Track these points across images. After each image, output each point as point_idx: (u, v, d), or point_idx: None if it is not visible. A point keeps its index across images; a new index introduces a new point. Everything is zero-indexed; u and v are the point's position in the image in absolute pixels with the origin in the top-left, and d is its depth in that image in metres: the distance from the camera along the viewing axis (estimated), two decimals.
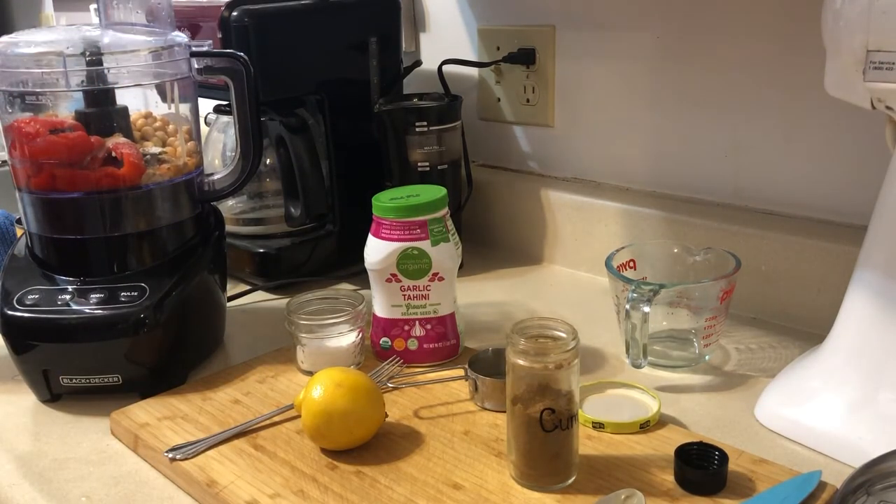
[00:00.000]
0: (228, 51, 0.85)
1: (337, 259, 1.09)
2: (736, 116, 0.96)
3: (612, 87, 1.06)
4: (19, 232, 1.06)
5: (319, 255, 1.09)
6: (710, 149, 0.99)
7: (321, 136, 1.06)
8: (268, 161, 1.10)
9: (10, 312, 0.76)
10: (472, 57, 1.18)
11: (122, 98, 0.81)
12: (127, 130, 0.81)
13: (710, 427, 0.72)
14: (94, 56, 0.76)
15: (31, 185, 0.78)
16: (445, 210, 0.82)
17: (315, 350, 0.81)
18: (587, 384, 0.76)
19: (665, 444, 0.67)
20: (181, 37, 0.83)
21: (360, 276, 0.91)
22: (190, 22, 1.01)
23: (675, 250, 0.87)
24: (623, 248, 0.86)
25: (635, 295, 0.75)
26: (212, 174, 0.89)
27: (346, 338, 0.81)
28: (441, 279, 0.81)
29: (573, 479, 0.63)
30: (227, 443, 0.70)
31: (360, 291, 0.87)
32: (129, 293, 0.77)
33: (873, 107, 0.64)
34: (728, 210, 0.97)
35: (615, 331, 0.84)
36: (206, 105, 1.05)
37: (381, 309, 0.83)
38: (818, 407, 0.69)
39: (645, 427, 0.69)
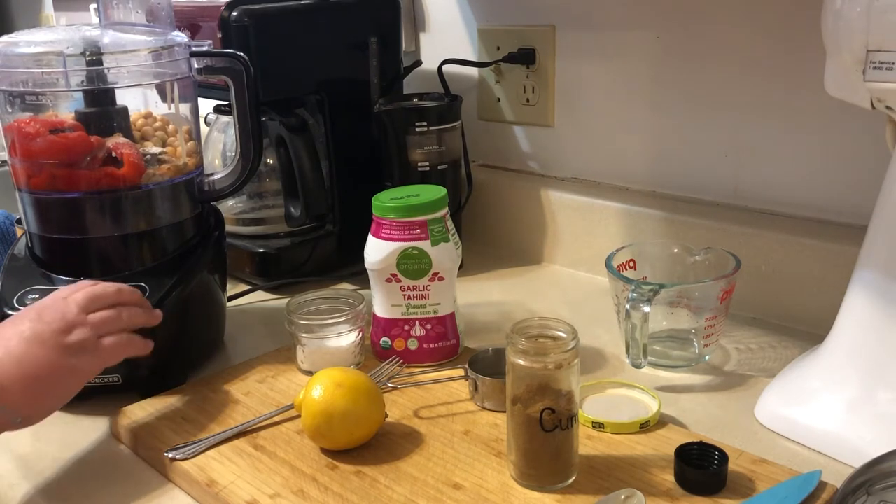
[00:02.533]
0: (228, 51, 0.85)
1: (337, 259, 1.09)
2: (736, 116, 0.96)
3: (612, 87, 1.06)
4: (19, 232, 1.06)
5: (319, 255, 1.09)
6: (710, 149, 0.99)
7: (321, 136, 1.06)
8: (268, 161, 1.10)
9: (10, 312, 0.76)
10: (472, 57, 1.18)
11: (122, 98, 0.81)
12: (127, 130, 0.81)
13: (710, 427, 0.72)
14: (94, 56, 0.76)
15: (31, 185, 0.78)
16: (445, 210, 0.82)
17: (315, 350, 0.81)
18: (587, 384, 0.76)
19: (665, 444, 0.67)
20: (181, 37, 0.83)
21: (360, 276, 0.91)
22: (190, 22, 1.01)
23: (675, 250, 0.87)
24: (623, 248, 0.86)
25: (635, 295, 0.75)
26: (212, 174, 0.89)
27: (346, 338, 0.81)
28: (441, 279, 0.81)
29: (573, 479, 0.63)
30: (227, 443, 0.70)
31: (360, 291, 0.87)
32: None
33: (873, 107, 0.64)
34: (728, 210, 0.97)
35: (615, 331, 0.84)
36: (206, 105, 1.05)
37: (381, 309, 0.83)
38: (818, 407, 0.69)
39: (645, 427, 0.69)
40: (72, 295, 0.68)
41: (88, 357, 0.66)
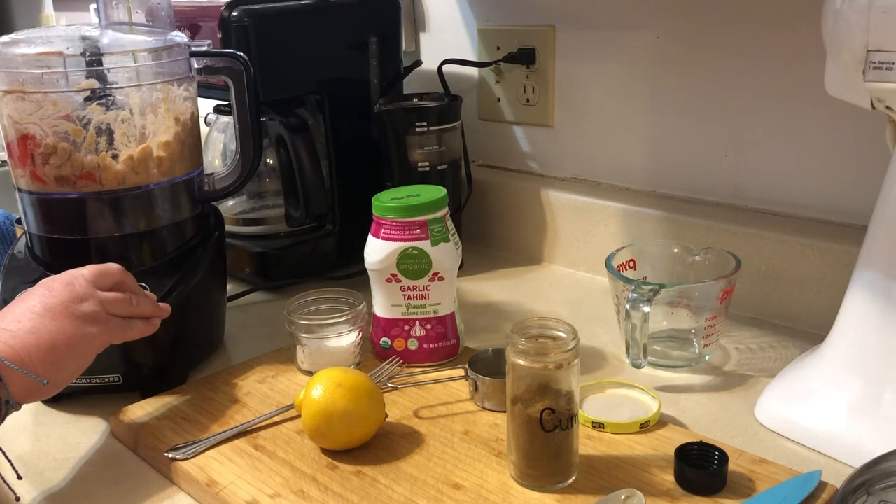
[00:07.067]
0: (228, 51, 0.85)
1: (337, 259, 1.09)
2: (736, 116, 0.96)
3: (611, 87, 1.06)
4: (19, 232, 1.06)
5: (319, 255, 1.09)
6: (710, 149, 0.99)
7: (321, 136, 1.07)
8: (268, 161, 1.10)
9: None
10: (472, 57, 1.18)
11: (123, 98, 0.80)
12: None
13: (710, 427, 0.72)
14: (94, 56, 0.76)
15: (31, 186, 0.78)
16: (445, 210, 0.82)
17: (315, 350, 0.81)
18: (587, 384, 0.76)
19: (665, 444, 0.67)
20: (181, 37, 0.83)
21: (360, 276, 0.91)
22: (190, 22, 1.01)
23: (675, 250, 0.87)
24: (623, 248, 0.86)
25: (635, 295, 0.75)
26: (212, 174, 0.89)
27: (346, 338, 0.81)
28: (441, 279, 0.81)
29: (573, 479, 0.63)
30: (227, 443, 0.70)
31: (359, 291, 0.87)
32: None
33: (873, 107, 0.64)
34: (728, 210, 0.97)
35: (615, 331, 0.84)
36: (206, 105, 1.05)
37: (381, 309, 0.83)
38: (818, 407, 0.69)
39: (645, 427, 0.69)
40: (79, 271, 0.70)
41: (100, 327, 0.67)
